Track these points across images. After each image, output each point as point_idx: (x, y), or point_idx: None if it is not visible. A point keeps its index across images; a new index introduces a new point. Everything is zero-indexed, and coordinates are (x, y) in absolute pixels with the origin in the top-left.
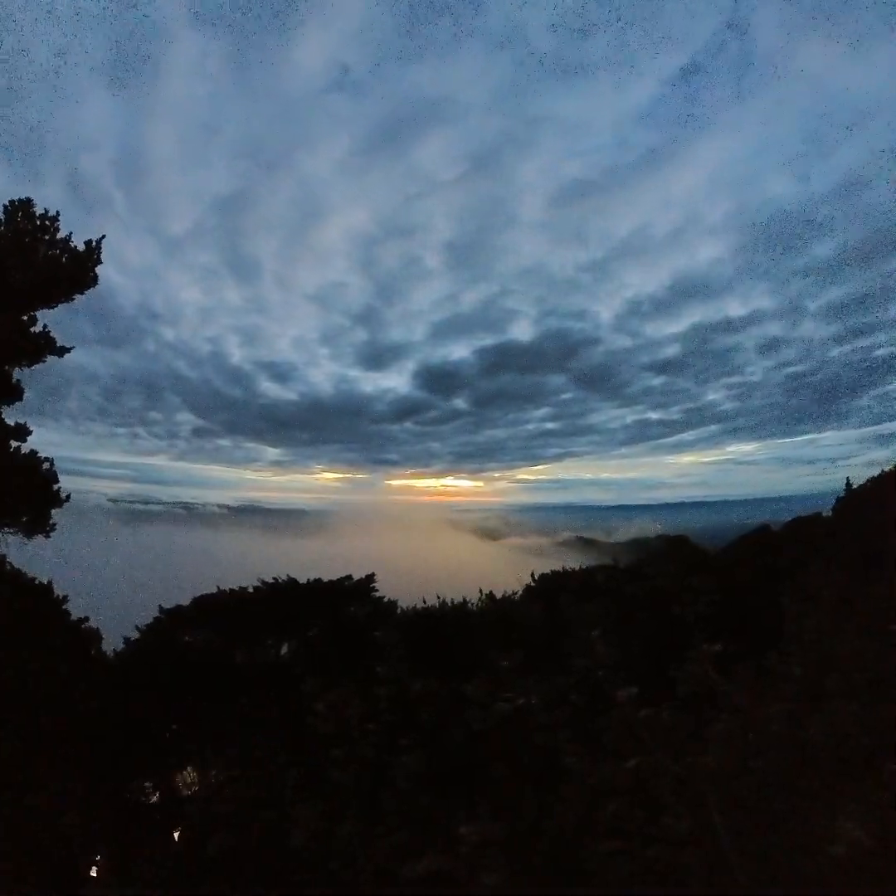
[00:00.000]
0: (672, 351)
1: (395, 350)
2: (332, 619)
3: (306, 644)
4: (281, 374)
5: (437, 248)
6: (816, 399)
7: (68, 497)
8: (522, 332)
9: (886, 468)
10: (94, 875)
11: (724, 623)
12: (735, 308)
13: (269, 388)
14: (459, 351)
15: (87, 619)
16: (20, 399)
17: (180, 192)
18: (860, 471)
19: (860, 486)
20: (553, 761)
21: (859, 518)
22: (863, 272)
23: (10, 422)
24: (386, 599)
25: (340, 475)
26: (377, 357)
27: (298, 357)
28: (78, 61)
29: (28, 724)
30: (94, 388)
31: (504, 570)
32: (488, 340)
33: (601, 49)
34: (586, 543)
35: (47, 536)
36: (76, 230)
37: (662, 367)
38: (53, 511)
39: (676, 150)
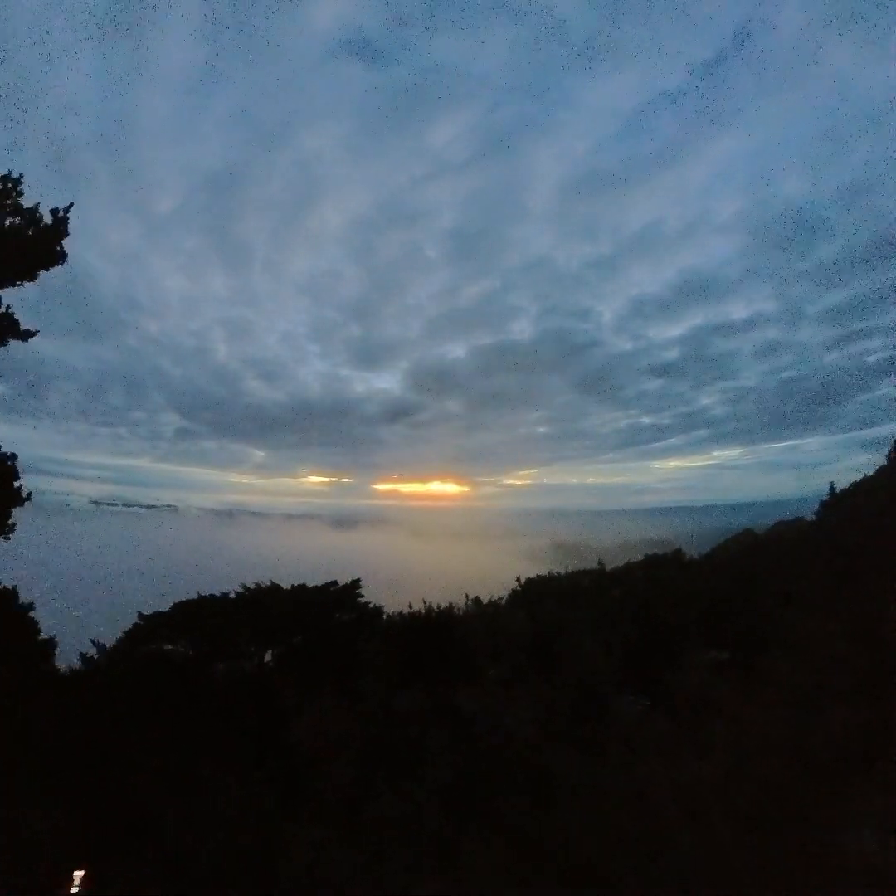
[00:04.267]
0: (672, 355)
1: (388, 348)
2: (317, 626)
3: (290, 652)
4: (268, 372)
5: (439, 237)
6: (807, 404)
7: (30, 496)
8: (522, 330)
9: (868, 473)
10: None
11: (708, 627)
12: (738, 310)
13: (256, 388)
14: (456, 350)
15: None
16: None
17: (168, 166)
18: (845, 475)
19: (843, 490)
20: (547, 774)
21: (842, 521)
22: (863, 277)
23: None
24: (371, 605)
25: (327, 478)
26: (370, 355)
27: (287, 354)
28: (63, 14)
29: None
30: (74, 384)
31: (490, 575)
32: (486, 339)
33: (629, 34)
34: (573, 548)
35: (7, 539)
36: (54, 205)
37: (661, 371)
38: (16, 510)
39: (695, 143)
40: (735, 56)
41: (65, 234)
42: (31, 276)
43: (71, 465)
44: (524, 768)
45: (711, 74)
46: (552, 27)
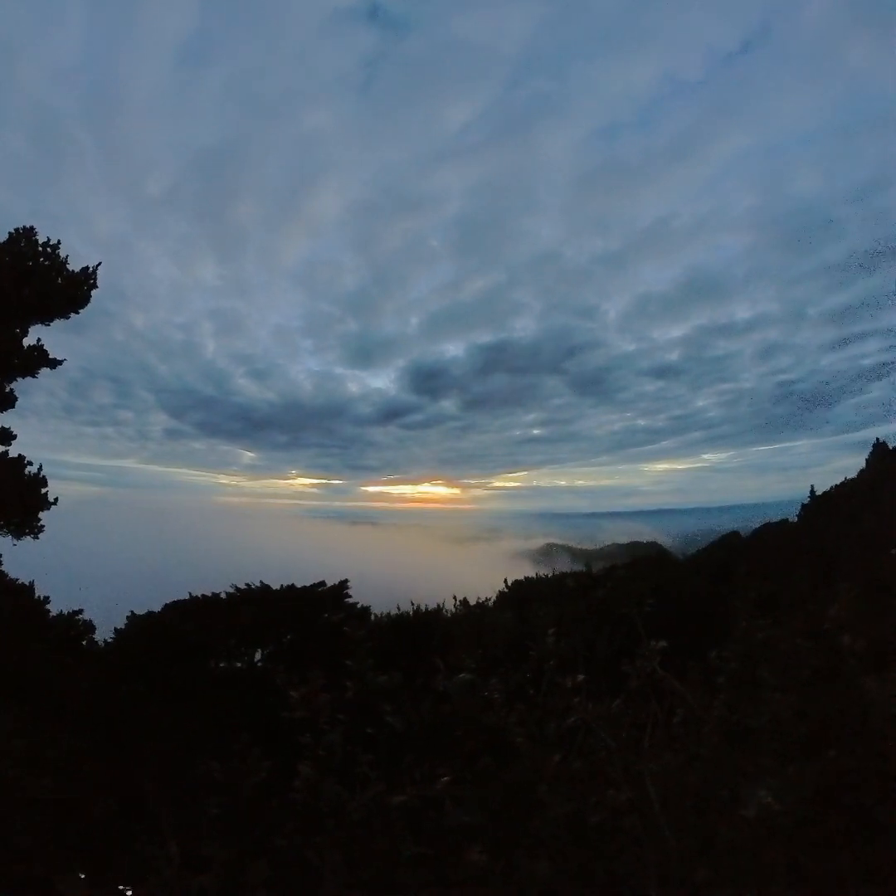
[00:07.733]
0: (672, 356)
1: (385, 345)
2: (307, 626)
3: (280, 651)
4: (259, 370)
5: (444, 226)
6: (800, 407)
7: (56, 500)
8: (525, 327)
9: (848, 476)
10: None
11: (672, 623)
12: (742, 311)
13: (246, 386)
14: (454, 348)
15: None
16: (12, 407)
17: (159, 141)
18: (832, 478)
19: (824, 493)
20: (505, 732)
21: (821, 523)
22: (866, 279)
23: None
24: (359, 605)
25: (317, 480)
26: (365, 352)
27: (279, 350)
28: None
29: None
30: (59, 381)
31: (479, 577)
32: (487, 337)
33: (654, 20)
34: (562, 550)
35: (36, 538)
36: (39, 185)
37: (660, 372)
38: (42, 513)
39: (711, 136)
40: (756, 49)
41: (94, 285)
42: (64, 316)
43: (57, 465)
44: (488, 728)
45: (730, 67)
46: (576, 7)
